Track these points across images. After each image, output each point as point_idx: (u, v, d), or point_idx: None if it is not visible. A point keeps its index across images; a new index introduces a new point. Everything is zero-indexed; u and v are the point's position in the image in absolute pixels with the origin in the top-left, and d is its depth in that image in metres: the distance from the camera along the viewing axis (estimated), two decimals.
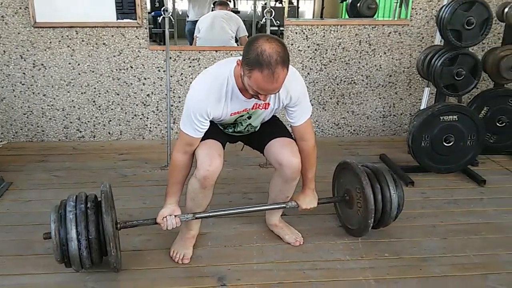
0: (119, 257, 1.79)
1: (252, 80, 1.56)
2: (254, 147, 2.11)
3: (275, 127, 2.03)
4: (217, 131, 1.96)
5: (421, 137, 2.78)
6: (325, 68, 3.55)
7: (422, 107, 3.16)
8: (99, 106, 3.48)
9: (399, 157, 3.17)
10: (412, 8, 3.45)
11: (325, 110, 3.66)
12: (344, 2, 3.73)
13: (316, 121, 3.66)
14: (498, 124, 3.13)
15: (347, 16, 3.72)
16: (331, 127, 3.71)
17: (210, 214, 1.99)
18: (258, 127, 2.00)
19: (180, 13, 3.65)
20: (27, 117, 3.45)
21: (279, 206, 2.06)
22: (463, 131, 2.79)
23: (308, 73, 3.53)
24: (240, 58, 1.62)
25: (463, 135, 2.79)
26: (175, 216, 1.87)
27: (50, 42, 3.29)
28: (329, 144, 3.49)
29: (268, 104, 1.84)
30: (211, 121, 1.82)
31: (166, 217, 1.86)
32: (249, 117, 1.90)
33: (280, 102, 1.83)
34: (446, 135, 2.78)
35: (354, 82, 3.60)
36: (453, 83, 2.77)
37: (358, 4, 3.63)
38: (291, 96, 1.81)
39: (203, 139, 1.85)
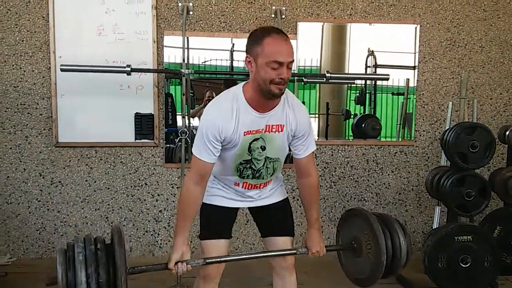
0: None
1: (266, 50, 1.65)
2: (257, 225, 2.12)
3: (282, 218, 2.04)
4: (227, 214, 1.98)
5: (437, 258, 2.75)
6: (334, 185, 3.63)
7: (434, 226, 3.17)
8: (112, 222, 3.50)
9: (416, 278, 3.09)
10: (416, 130, 3.65)
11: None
12: (349, 121, 3.93)
13: (328, 237, 3.65)
14: None
15: (351, 134, 3.89)
16: None
17: (221, 259, 1.91)
18: (276, 165, 1.93)
19: (194, 132, 3.83)
20: (39, 234, 3.46)
21: (290, 252, 1.99)
22: (479, 251, 2.76)
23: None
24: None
25: (479, 256, 2.76)
26: (186, 262, 1.81)
27: (70, 161, 3.42)
28: None
29: (281, 127, 1.82)
30: (227, 185, 1.89)
31: (177, 263, 1.79)
32: (263, 148, 1.85)
33: (290, 123, 1.82)
34: (463, 256, 2.75)
35: (364, 199, 3.66)
36: (463, 203, 2.82)
37: (363, 125, 3.82)
38: (298, 123, 1.83)
39: (211, 236, 1.92)
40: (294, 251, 2.00)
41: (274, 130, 1.82)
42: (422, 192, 3.64)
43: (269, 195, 2.02)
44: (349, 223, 2.13)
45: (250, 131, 1.79)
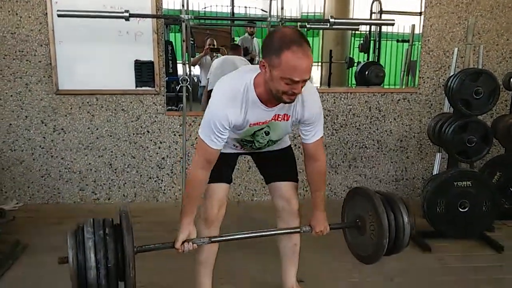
0: (135, 281, 1.71)
1: (283, 65, 1.57)
2: (261, 172, 2.16)
3: (285, 164, 2.07)
4: (227, 160, 1.99)
5: (436, 203, 2.79)
6: (336, 132, 3.64)
7: (434, 172, 3.20)
8: (115, 169, 3.54)
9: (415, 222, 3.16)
10: (420, 77, 3.60)
11: (337, 173, 3.70)
12: (352, 69, 3.88)
13: (329, 184, 3.70)
14: None
15: (354, 82, 3.85)
16: (344, 190, 3.73)
17: (226, 238, 1.95)
18: (277, 141, 1.98)
19: (195, 80, 3.80)
20: (44, 180, 3.51)
21: (294, 230, 2.03)
22: (478, 196, 2.80)
23: None
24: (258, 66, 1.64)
25: (478, 201, 2.80)
26: (192, 241, 1.85)
27: (71, 108, 3.42)
28: None
29: (287, 116, 1.82)
30: (227, 141, 1.86)
31: (184, 242, 1.84)
32: (267, 133, 1.88)
33: (296, 113, 1.82)
34: (461, 201, 2.79)
35: (366, 147, 3.67)
36: (465, 149, 2.82)
37: (366, 72, 3.77)
38: (305, 114, 1.82)
39: (212, 180, 1.91)
40: (298, 229, 2.02)
41: (280, 119, 1.83)
42: (423, 139, 3.65)
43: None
44: (354, 201, 2.13)
45: (257, 122, 1.81)
